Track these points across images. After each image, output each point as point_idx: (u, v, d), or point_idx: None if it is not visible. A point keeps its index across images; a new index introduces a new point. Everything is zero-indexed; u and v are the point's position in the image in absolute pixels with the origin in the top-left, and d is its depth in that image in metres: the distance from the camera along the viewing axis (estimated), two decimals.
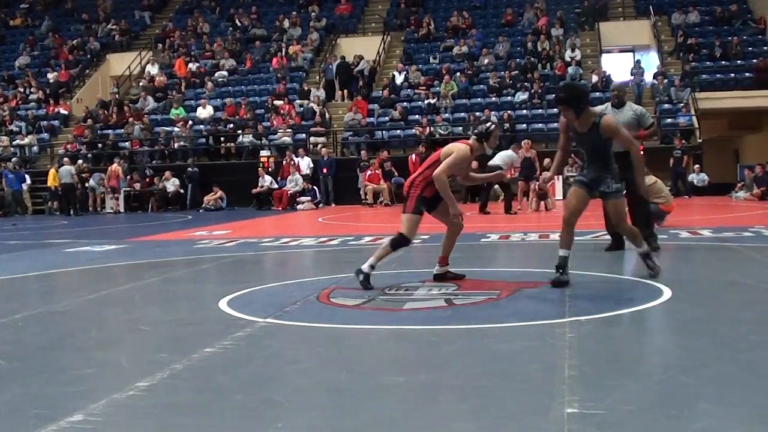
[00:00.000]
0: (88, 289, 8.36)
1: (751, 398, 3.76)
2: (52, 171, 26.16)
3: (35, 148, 30.04)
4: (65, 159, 26.24)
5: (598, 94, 26.63)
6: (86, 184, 26.52)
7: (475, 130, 7.55)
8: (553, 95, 27.18)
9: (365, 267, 7.29)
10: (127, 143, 28.81)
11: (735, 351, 4.70)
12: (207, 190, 25.48)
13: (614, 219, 7.51)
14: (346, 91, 30.16)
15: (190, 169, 26.30)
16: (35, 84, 32.90)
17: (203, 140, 28.21)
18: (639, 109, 10.00)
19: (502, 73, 28.71)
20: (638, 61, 28.31)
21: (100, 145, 29.26)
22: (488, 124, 7.47)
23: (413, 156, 24.63)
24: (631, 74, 27.75)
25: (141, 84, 32.03)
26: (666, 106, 26.44)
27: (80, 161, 26.93)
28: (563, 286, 6.89)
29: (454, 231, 7.63)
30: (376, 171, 24.42)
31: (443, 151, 7.43)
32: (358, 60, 30.51)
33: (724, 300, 6.57)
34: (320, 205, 24.37)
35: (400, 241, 7.36)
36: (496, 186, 19.55)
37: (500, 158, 17.89)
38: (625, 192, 8.25)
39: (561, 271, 7.01)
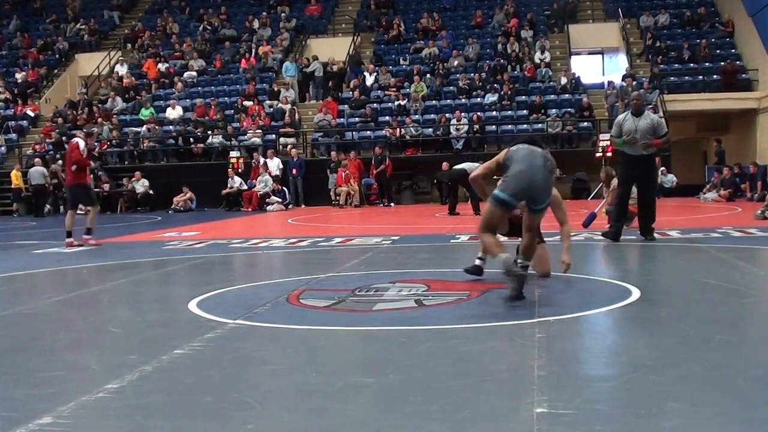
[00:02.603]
0: (57, 290, 8.30)
1: (718, 397, 3.80)
2: (14, 172, 25.85)
3: (3, 149, 29.75)
4: (36, 159, 25.98)
5: (567, 96, 26.79)
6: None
7: None
8: (523, 96, 27.34)
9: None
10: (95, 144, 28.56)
11: (703, 351, 4.74)
12: (176, 191, 25.32)
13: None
14: (307, 93, 30.18)
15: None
16: (3, 84, 32.57)
17: (172, 141, 28.06)
18: (655, 118, 10.89)
19: (472, 74, 28.77)
20: (611, 82, 28.22)
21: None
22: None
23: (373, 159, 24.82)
24: (606, 97, 27.21)
25: (110, 84, 31.81)
26: None
27: (53, 164, 26.55)
28: None
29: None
30: (346, 172, 24.40)
31: None
32: (311, 60, 30.41)
33: (691, 300, 6.62)
34: (290, 206, 24.30)
35: None
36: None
37: (465, 165, 18.98)
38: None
39: None
